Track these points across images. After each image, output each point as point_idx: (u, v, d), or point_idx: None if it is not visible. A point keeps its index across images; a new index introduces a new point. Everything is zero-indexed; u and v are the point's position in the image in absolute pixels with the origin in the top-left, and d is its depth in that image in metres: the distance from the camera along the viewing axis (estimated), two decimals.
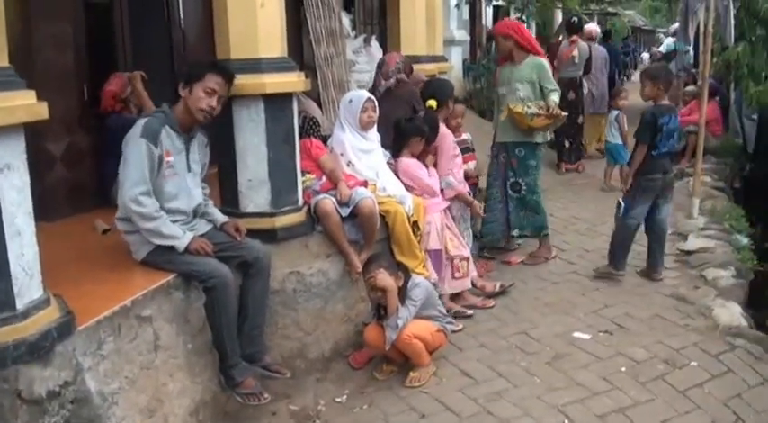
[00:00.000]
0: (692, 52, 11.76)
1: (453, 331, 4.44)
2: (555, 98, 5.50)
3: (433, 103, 4.99)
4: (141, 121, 3.40)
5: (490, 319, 4.77)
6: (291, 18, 5.80)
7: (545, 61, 5.65)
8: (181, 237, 3.39)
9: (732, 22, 7.35)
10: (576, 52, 9.02)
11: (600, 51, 10.18)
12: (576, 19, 9.60)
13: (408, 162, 4.81)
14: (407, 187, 4.74)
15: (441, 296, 4.55)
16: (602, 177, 8.49)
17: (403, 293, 3.91)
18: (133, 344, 3.06)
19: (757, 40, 9.73)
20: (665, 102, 5.18)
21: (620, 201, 5.30)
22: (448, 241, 4.84)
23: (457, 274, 4.81)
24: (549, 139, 6.14)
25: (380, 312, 3.92)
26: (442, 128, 5.02)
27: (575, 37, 9.28)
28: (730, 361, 4.13)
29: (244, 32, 3.85)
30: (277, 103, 3.96)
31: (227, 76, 3.52)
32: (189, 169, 3.55)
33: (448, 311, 4.69)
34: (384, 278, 3.83)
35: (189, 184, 3.54)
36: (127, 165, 3.32)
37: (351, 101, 4.60)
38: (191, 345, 3.44)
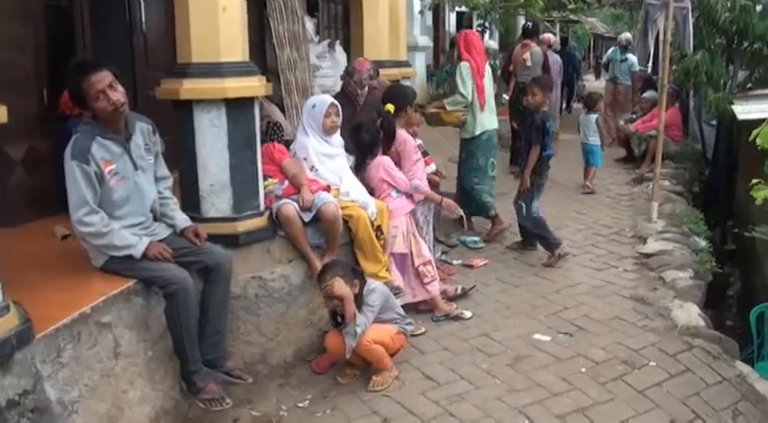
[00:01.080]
0: (633, 60, 12.62)
1: (415, 334, 4.48)
2: (452, 98, 6.36)
3: (390, 107, 5.02)
4: (72, 139, 3.31)
5: (452, 323, 4.82)
6: (254, 22, 5.77)
7: (465, 65, 6.28)
8: (136, 244, 3.37)
9: (691, 30, 7.53)
10: (527, 56, 9.19)
11: (555, 58, 10.55)
12: (529, 23, 9.82)
13: (385, 158, 4.86)
14: (372, 192, 4.77)
15: (420, 303, 4.64)
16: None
17: (360, 300, 3.91)
18: (93, 351, 3.05)
19: (716, 49, 9.97)
20: (546, 108, 5.99)
21: (521, 202, 5.97)
22: (412, 247, 4.88)
23: (426, 280, 4.84)
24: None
25: (338, 320, 3.92)
26: (402, 133, 5.05)
27: (527, 41, 9.47)
28: (688, 360, 4.23)
29: (205, 36, 3.84)
30: (239, 107, 3.96)
31: (95, 69, 3.28)
32: (136, 167, 3.49)
33: (445, 315, 4.79)
34: (340, 286, 3.80)
35: (140, 183, 3.50)
36: (68, 187, 3.28)
37: (314, 106, 4.61)
38: (151, 351, 3.42)
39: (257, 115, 4.16)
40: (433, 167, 5.64)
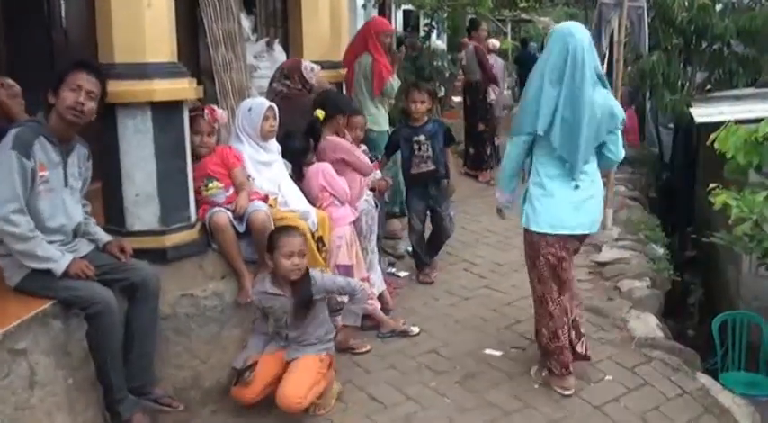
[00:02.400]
0: None
1: (360, 352, 4.49)
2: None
3: (320, 113, 4.99)
4: (12, 131, 3.28)
5: (399, 339, 4.83)
6: (185, 19, 5.71)
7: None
8: (58, 259, 3.29)
9: (646, 30, 7.72)
10: (462, 54, 9.45)
11: (498, 62, 10.84)
12: (469, 19, 10.05)
13: (324, 164, 4.83)
14: (311, 201, 4.74)
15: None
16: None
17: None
18: (6, 381, 2.95)
19: (673, 49, 10.23)
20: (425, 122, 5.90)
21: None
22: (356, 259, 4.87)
23: None
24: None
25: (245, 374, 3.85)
26: (332, 139, 5.02)
27: (464, 40, 9.70)
28: (647, 373, 4.31)
29: (129, 34, 3.78)
30: (167, 111, 3.90)
31: (93, 72, 3.41)
32: (66, 184, 3.44)
33: (392, 332, 4.84)
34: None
35: (67, 202, 3.44)
36: None
37: (250, 109, 4.57)
38: (71, 379, 3.34)
39: (187, 120, 4.11)
40: (378, 174, 5.65)
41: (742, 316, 5.69)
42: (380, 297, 5.12)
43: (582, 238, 4.15)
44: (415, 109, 5.76)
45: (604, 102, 3.90)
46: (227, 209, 4.20)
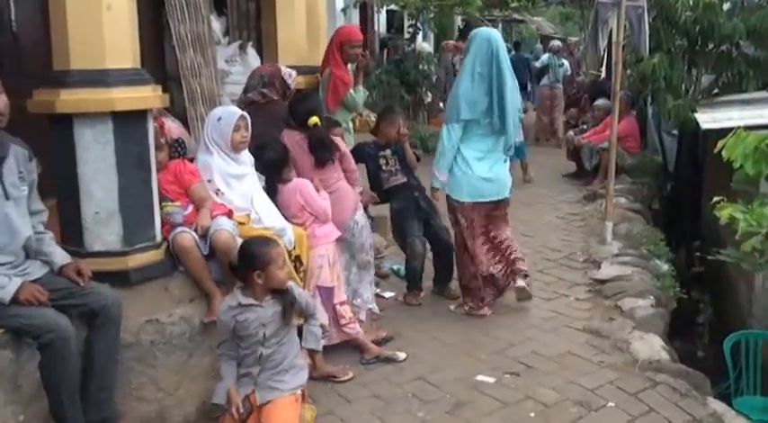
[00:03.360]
0: (567, 65, 14.72)
1: (341, 380, 4.49)
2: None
3: (316, 119, 4.98)
4: None
5: (384, 365, 4.81)
6: (149, 21, 5.69)
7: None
8: (5, 285, 3.25)
9: (647, 31, 7.77)
10: (456, 59, 9.50)
11: None
12: (461, 24, 10.10)
13: (300, 181, 4.80)
14: (288, 217, 4.72)
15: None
16: None
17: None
18: None
19: (676, 51, 10.29)
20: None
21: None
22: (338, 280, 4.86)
23: (343, 321, 4.82)
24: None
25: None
26: (295, 184, 5.00)
27: (459, 44, 9.76)
28: (652, 399, 4.31)
29: (86, 39, 3.77)
30: (129, 121, 3.89)
31: None
32: (6, 196, 3.38)
33: (376, 358, 4.83)
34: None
35: (11, 216, 3.39)
36: None
37: (220, 118, 4.56)
38: (23, 416, 3.30)
39: (151, 130, 4.09)
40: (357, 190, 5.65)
41: (756, 336, 5.69)
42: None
43: (498, 203, 5.62)
44: (396, 133, 6.02)
45: (516, 90, 5.52)
46: (191, 228, 4.18)
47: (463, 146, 5.43)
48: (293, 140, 4.99)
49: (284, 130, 5.14)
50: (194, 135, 5.60)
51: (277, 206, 4.72)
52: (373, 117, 6.88)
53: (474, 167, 5.41)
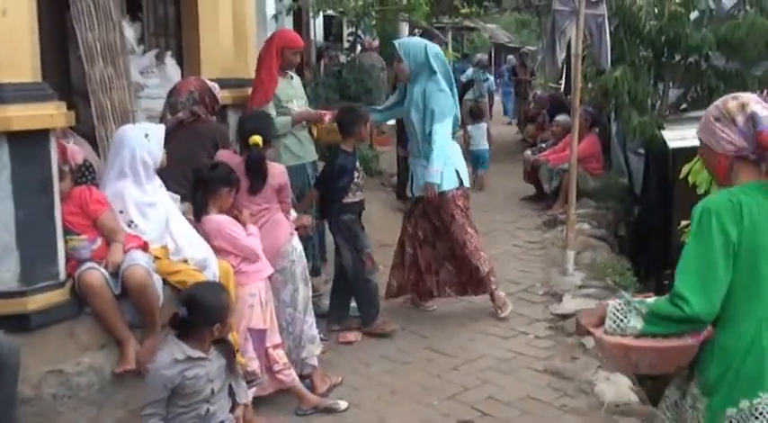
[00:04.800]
0: (492, 80, 15.89)
1: None
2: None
3: (258, 139, 4.93)
4: None
5: (323, 416, 4.79)
6: (52, 29, 5.65)
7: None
8: None
9: (608, 41, 7.92)
10: None
11: None
12: (418, 32, 10.15)
13: (219, 220, 4.71)
14: (217, 250, 4.67)
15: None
16: None
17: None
18: None
19: (641, 63, 10.51)
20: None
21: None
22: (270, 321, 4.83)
23: (277, 367, 4.77)
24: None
25: None
26: (276, 166, 5.02)
27: None
28: None
29: None
30: (28, 143, 3.86)
31: None
32: None
33: (314, 408, 4.80)
34: None
35: None
36: None
37: (147, 135, 4.57)
38: None
39: (54, 153, 4.05)
40: (292, 214, 5.64)
41: None
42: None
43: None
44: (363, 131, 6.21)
45: None
46: (100, 264, 4.13)
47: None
48: (232, 163, 4.93)
49: (221, 151, 5.11)
50: (104, 157, 5.55)
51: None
52: (335, 126, 6.93)
53: (453, 155, 6.39)
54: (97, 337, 4.12)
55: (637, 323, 2.83)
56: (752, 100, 2.88)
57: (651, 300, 2.88)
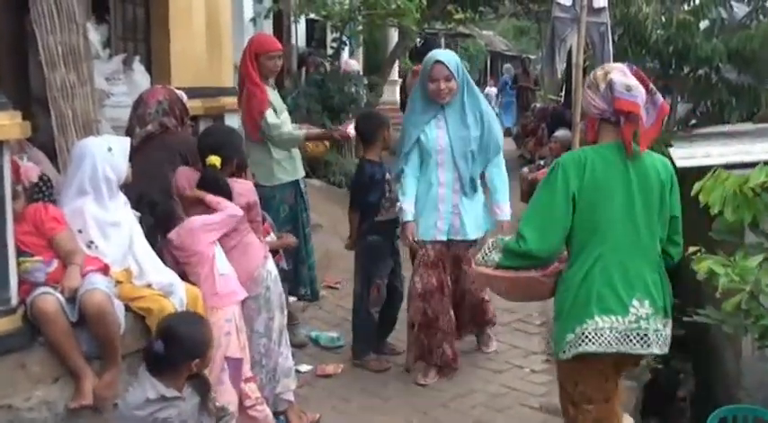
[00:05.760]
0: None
1: None
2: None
3: (215, 160, 4.88)
4: None
5: None
6: (9, 31, 5.71)
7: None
8: None
9: (611, 51, 7.96)
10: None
11: None
12: (419, 41, 10.14)
13: (189, 220, 4.69)
14: (183, 275, 4.64)
15: None
16: None
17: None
18: None
19: (647, 75, 10.53)
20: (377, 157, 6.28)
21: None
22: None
23: (248, 402, 4.72)
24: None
25: None
26: (242, 184, 4.98)
27: (418, 66, 9.77)
28: None
29: None
30: None
31: None
32: None
33: None
34: None
35: None
36: None
37: (111, 149, 4.55)
38: None
39: (7, 166, 4.01)
40: (272, 237, 5.62)
41: (746, 411, 5.77)
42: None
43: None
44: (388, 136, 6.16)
45: None
46: (55, 289, 4.08)
47: None
48: (189, 181, 4.89)
49: (181, 168, 5.07)
50: (64, 171, 5.51)
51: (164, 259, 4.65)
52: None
53: None
54: (51, 369, 4.07)
55: (496, 257, 3.79)
56: (615, 69, 3.80)
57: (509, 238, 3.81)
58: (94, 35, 6.50)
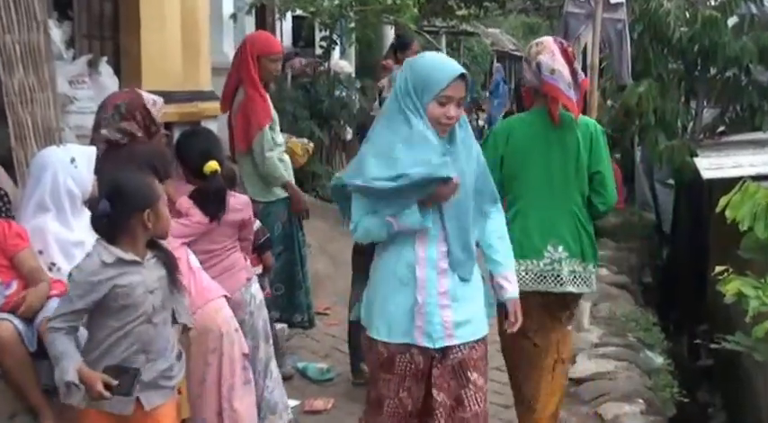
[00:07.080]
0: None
1: None
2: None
3: (215, 165, 4.83)
4: None
5: None
6: None
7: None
8: None
9: (629, 51, 7.95)
10: (384, 82, 9.56)
11: None
12: (395, 36, 10.19)
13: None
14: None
15: None
16: None
17: None
18: None
19: (670, 77, 10.52)
20: None
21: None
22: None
23: None
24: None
25: None
26: (239, 198, 4.97)
27: (387, 61, 9.88)
28: None
29: None
30: None
31: None
32: None
33: None
34: None
35: None
36: None
37: (74, 160, 4.55)
38: None
39: None
40: (258, 269, 5.62)
41: None
42: None
43: None
44: None
45: None
46: (13, 315, 4.08)
47: None
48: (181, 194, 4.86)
49: (170, 182, 5.04)
50: (22, 185, 5.50)
51: None
52: (311, 145, 7.00)
53: None
54: (6, 405, 4.07)
55: None
56: (545, 50, 4.53)
57: None
58: (57, 33, 6.52)
